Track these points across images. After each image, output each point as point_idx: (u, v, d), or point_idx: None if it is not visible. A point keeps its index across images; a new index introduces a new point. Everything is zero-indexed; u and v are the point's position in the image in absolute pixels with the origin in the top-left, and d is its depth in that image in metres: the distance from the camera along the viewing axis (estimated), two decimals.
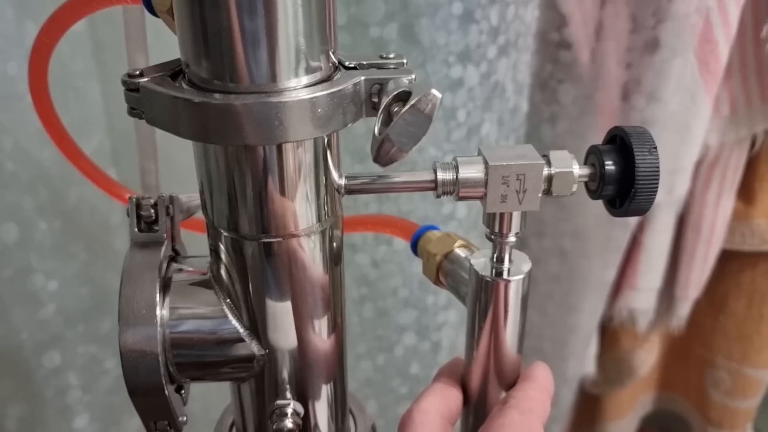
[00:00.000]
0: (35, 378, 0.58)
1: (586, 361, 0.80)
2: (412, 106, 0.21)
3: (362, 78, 0.24)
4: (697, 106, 0.63)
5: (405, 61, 0.26)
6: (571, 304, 0.71)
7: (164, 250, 0.28)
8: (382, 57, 0.26)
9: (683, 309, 0.76)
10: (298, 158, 0.25)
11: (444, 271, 0.33)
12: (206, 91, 0.23)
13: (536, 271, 0.77)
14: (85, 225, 0.55)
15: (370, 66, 0.25)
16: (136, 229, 0.28)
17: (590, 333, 0.76)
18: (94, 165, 0.46)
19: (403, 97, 0.22)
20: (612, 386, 0.84)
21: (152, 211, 0.28)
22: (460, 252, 0.34)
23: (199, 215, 0.31)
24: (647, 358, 0.82)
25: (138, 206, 0.28)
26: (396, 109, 0.22)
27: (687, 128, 0.63)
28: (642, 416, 0.96)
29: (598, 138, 0.65)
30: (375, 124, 0.23)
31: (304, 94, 0.23)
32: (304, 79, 0.23)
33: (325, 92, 0.23)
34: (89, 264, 0.57)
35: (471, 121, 0.59)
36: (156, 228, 0.28)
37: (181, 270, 0.29)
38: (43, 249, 0.53)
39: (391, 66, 0.26)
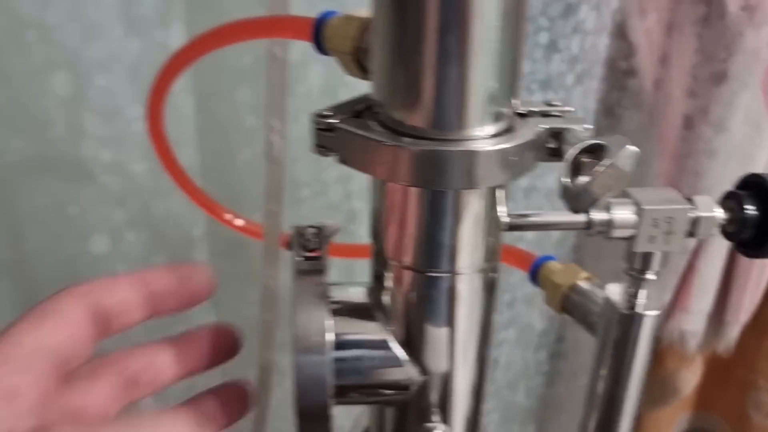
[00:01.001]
0: None
1: None
2: (613, 163, 0.22)
3: (544, 127, 0.26)
4: (761, 136, 0.64)
5: (573, 108, 0.27)
6: None
7: (327, 278, 0.29)
8: (548, 104, 0.27)
9: (733, 332, 0.77)
10: (475, 201, 0.26)
11: (570, 301, 0.35)
12: (400, 134, 0.24)
13: None
14: (169, 238, 0.56)
15: (540, 113, 0.27)
16: (299, 258, 0.29)
17: None
18: (192, 181, 0.47)
19: (592, 148, 0.24)
20: (655, 405, 0.85)
21: (314, 239, 0.29)
22: (584, 284, 0.35)
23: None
24: (691, 378, 0.83)
25: (301, 235, 0.29)
26: (586, 159, 0.24)
27: (750, 158, 0.65)
28: None
29: (660, 164, 0.67)
30: (562, 172, 0.24)
31: (499, 144, 0.24)
32: (493, 129, 0.25)
33: (515, 143, 0.24)
34: None
35: None
36: (316, 256, 0.29)
37: (341, 297, 0.30)
38: (129, 260, 0.55)
39: (558, 113, 0.27)
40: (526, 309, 0.78)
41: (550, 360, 0.87)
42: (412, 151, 0.24)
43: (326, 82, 0.51)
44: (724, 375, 0.90)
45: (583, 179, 0.23)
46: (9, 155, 0.46)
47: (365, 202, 0.58)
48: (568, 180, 0.24)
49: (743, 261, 0.73)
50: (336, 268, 0.59)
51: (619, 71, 0.65)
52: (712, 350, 0.83)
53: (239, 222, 0.49)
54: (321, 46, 0.28)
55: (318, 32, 0.28)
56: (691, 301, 0.74)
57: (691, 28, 0.61)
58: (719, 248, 0.71)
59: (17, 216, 0.49)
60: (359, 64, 0.27)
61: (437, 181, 0.24)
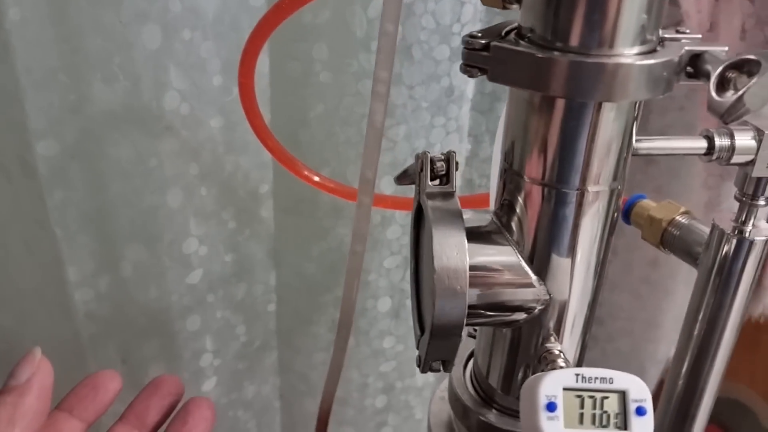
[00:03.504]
0: (177, 340, 0.60)
1: (672, 345, 0.83)
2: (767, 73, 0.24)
3: (685, 49, 0.27)
4: None
5: (700, 35, 0.29)
6: (668, 288, 0.75)
7: (458, 201, 0.30)
8: (678, 31, 0.29)
9: None
10: (614, 119, 0.27)
11: (670, 235, 0.36)
12: (552, 50, 0.26)
13: (633, 256, 0.80)
14: (236, 193, 0.58)
15: (673, 39, 0.28)
16: (430, 182, 0.31)
17: (682, 316, 0.79)
18: (275, 139, 0.48)
19: (739, 64, 0.25)
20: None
21: (443, 165, 0.31)
22: (683, 219, 0.36)
23: None
24: None
25: (432, 161, 0.31)
26: (732, 75, 0.25)
27: None
28: None
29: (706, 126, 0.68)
30: (709, 88, 0.26)
31: (648, 60, 0.25)
32: (642, 48, 0.26)
33: (661, 60, 0.26)
34: (236, 231, 0.59)
35: None
36: (445, 182, 0.31)
37: (470, 222, 0.31)
38: (200, 215, 0.56)
39: (688, 39, 0.29)
40: None
41: None
42: (564, 62, 0.25)
43: (400, 41, 0.52)
44: (753, 343, 0.92)
45: (731, 92, 0.25)
46: (95, 105, 0.47)
47: None
48: (715, 94, 0.25)
49: None
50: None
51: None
52: (746, 317, 0.84)
53: (316, 178, 0.50)
54: None
55: None
56: None
57: None
58: None
59: (101, 167, 0.50)
60: None
61: (584, 92, 0.25)
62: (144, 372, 0.60)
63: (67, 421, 0.37)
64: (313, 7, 0.51)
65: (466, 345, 0.39)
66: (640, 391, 0.27)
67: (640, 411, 0.27)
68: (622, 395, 0.27)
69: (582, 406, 0.27)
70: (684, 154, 0.31)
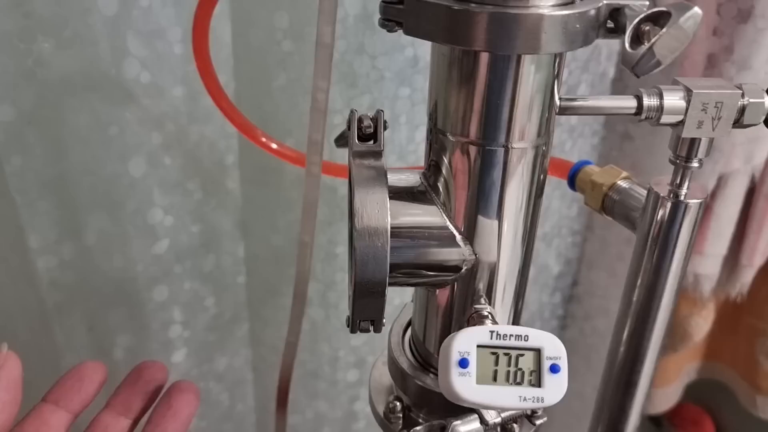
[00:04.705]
0: (145, 310, 0.60)
1: None
2: (677, 24, 0.24)
3: (603, 2, 0.27)
4: None
5: None
6: None
7: (384, 161, 0.30)
8: None
9: (747, 276, 0.79)
10: (535, 73, 0.27)
11: (611, 200, 0.36)
12: (467, 2, 0.25)
13: (609, 234, 0.80)
14: (202, 163, 0.58)
15: None
16: (357, 140, 0.30)
17: None
18: (233, 106, 0.48)
19: (653, 16, 0.25)
20: (664, 351, 0.87)
21: (371, 123, 0.31)
22: (624, 183, 0.36)
23: None
24: (703, 325, 0.85)
25: (359, 120, 0.30)
26: (647, 28, 0.25)
27: None
28: (686, 384, 1.00)
29: None
30: (623, 41, 0.25)
31: (563, 11, 0.25)
32: (558, 0, 0.26)
33: (576, 11, 0.25)
34: (202, 202, 0.59)
35: (571, 81, 0.62)
36: (373, 141, 0.31)
37: (396, 181, 0.31)
38: (164, 185, 0.56)
39: None
40: (544, 249, 0.79)
41: (565, 303, 0.88)
42: (479, 13, 0.25)
43: (363, 11, 0.52)
44: (734, 323, 0.91)
45: (646, 45, 0.24)
46: (53, 71, 0.47)
47: (395, 131, 0.59)
48: (629, 46, 0.25)
49: (760, 204, 0.74)
50: None
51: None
52: (724, 297, 0.84)
53: (273, 145, 0.50)
54: None
55: None
56: (706, 244, 0.75)
57: None
58: (738, 190, 0.73)
59: (60, 134, 0.50)
60: None
61: (503, 44, 0.25)
62: (111, 341, 0.61)
63: (54, 412, 0.38)
64: None
65: (407, 312, 0.39)
66: (555, 348, 0.27)
67: (554, 368, 0.27)
68: (537, 353, 0.27)
69: (497, 363, 0.27)
70: (612, 114, 0.30)
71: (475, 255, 0.31)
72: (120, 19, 0.47)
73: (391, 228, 0.28)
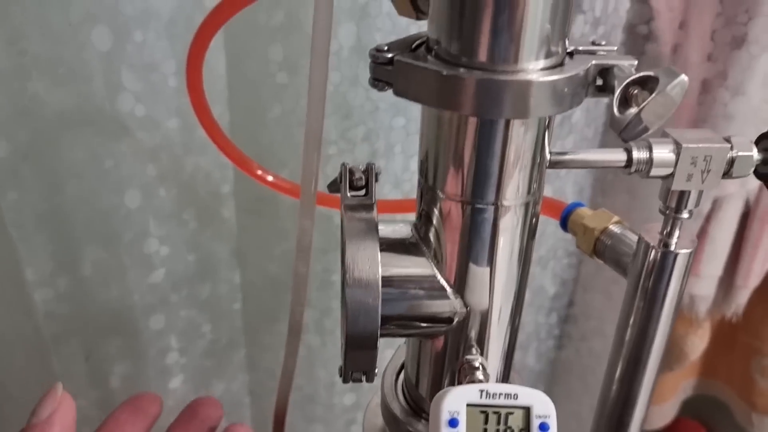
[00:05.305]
0: (141, 339, 0.60)
1: None
2: (663, 92, 0.24)
3: (592, 63, 0.27)
4: None
5: (615, 47, 0.28)
6: None
7: (375, 213, 0.30)
8: (594, 43, 0.29)
9: (742, 297, 0.79)
10: (524, 134, 0.27)
11: (602, 244, 0.36)
12: (456, 66, 0.26)
13: None
14: (198, 193, 0.58)
15: (587, 52, 0.28)
16: (348, 193, 0.31)
17: None
18: (228, 139, 0.48)
19: (641, 80, 0.25)
20: (661, 369, 0.87)
21: (363, 176, 0.31)
22: (616, 228, 0.36)
23: None
24: (699, 344, 0.85)
25: (351, 172, 0.31)
26: (635, 91, 0.25)
27: (766, 123, 0.66)
28: (682, 401, 1.00)
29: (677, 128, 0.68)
30: (612, 103, 0.25)
31: (551, 76, 0.25)
32: (548, 62, 0.26)
33: (566, 75, 0.26)
34: (198, 232, 0.59)
35: None
36: (364, 193, 0.31)
37: (388, 233, 0.31)
38: (160, 215, 0.56)
39: (603, 52, 0.28)
40: (539, 272, 0.79)
41: (561, 324, 0.88)
42: (468, 80, 0.25)
43: (357, 42, 0.52)
44: (729, 341, 0.92)
45: (633, 110, 0.25)
46: (48, 107, 0.47)
47: (390, 160, 0.59)
48: (617, 110, 0.25)
49: (755, 227, 0.74)
50: None
51: (639, 36, 0.66)
52: (720, 317, 0.84)
53: (269, 178, 0.50)
54: None
55: None
56: (702, 265, 0.75)
57: None
58: (733, 213, 0.73)
59: (55, 168, 0.50)
60: (414, 4, 0.28)
61: (491, 109, 0.25)
62: (108, 369, 0.61)
63: None
64: (266, 7, 0.51)
65: (401, 354, 0.39)
66: (544, 407, 0.27)
67: (543, 427, 0.27)
68: (527, 411, 0.27)
69: (486, 422, 0.27)
70: (603, 167, 0.31)
71: (467, 307, 0.31)
72: (114, 54, 0.47)
73: (383, 280, 0.29)
